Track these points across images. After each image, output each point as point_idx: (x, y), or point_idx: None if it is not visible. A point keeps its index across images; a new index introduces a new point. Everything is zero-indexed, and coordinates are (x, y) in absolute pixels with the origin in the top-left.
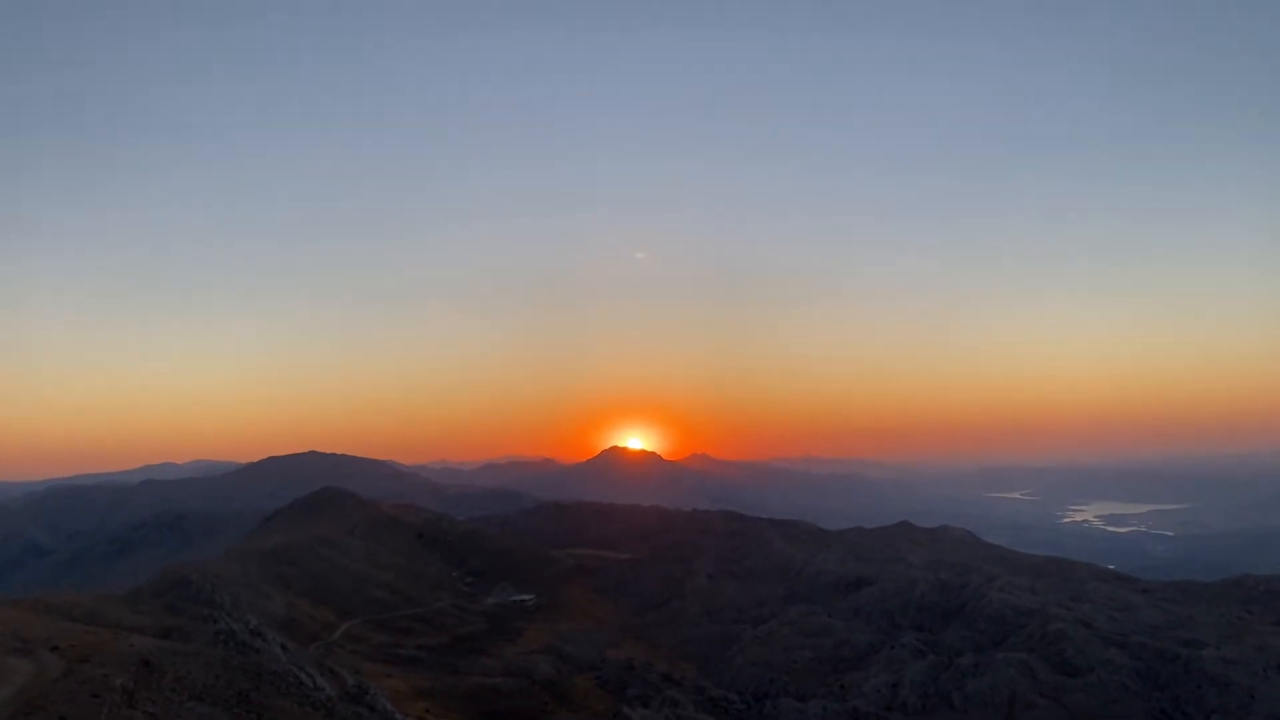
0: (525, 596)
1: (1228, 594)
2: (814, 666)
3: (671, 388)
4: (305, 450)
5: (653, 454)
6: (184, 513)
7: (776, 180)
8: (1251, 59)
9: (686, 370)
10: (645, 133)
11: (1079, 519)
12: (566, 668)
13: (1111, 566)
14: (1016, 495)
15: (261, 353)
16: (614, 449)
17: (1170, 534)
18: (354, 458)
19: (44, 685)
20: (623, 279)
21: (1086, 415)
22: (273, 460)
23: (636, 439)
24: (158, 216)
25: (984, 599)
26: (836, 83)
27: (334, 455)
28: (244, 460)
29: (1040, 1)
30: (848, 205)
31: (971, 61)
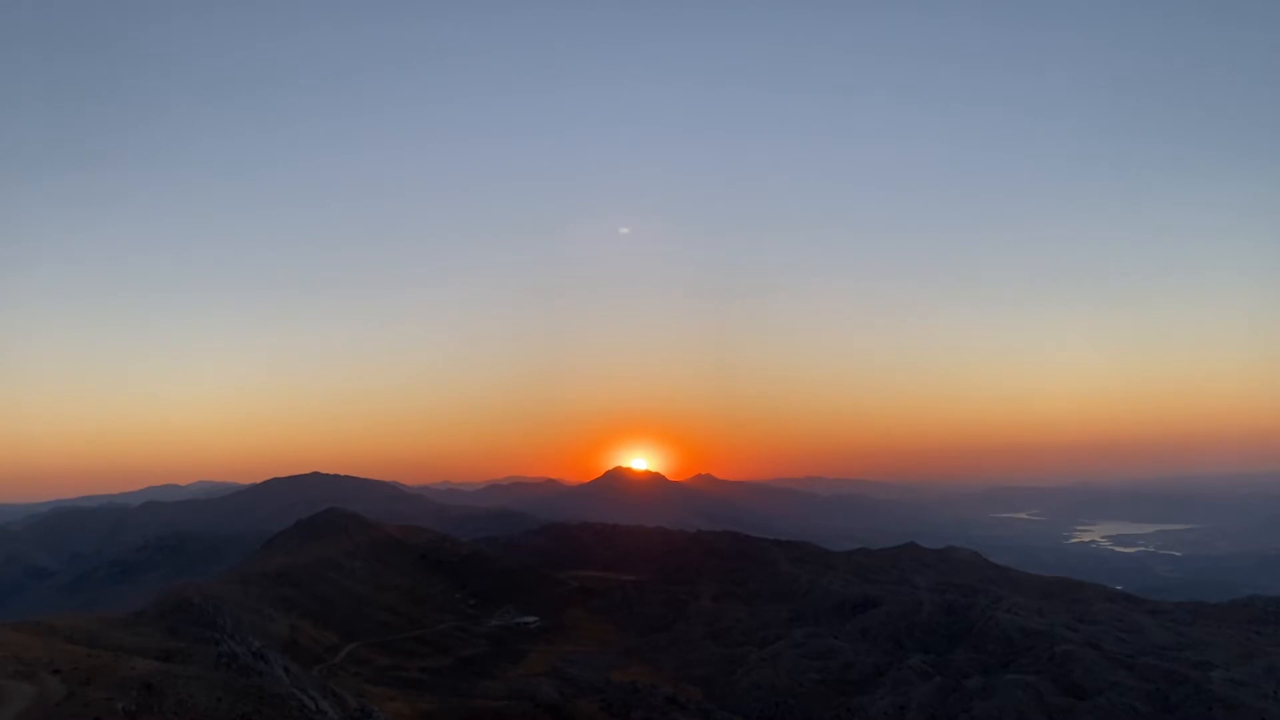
0: (528, 618)
1: (1237, 615)
2: (820, 689)
3: (675, 408)
4: (308, 471)
5: (656, 474)
6: (186, 534)
7: (782, 200)
8: (1247, 73)
9: (691, 391)
10: (646, 139)
11: (1086, 539)
12: (570, 690)
13: (1119, 587)
14: (1023, 516)
15: (264, 374)
16: (617, 469)
17: (1178, 554)
18: (357, 479)
19: (46, 709)
20: (627, 302)
21: (1093, 435)
22: (276, 481)
23: (640, 459)
24: (160, 237)
25: (991, 620)
26: (837, 91)
27: (337, 476)
28: (247, 481)
29: (1036, 11)
30: (852, 223)
31: (968, 74)
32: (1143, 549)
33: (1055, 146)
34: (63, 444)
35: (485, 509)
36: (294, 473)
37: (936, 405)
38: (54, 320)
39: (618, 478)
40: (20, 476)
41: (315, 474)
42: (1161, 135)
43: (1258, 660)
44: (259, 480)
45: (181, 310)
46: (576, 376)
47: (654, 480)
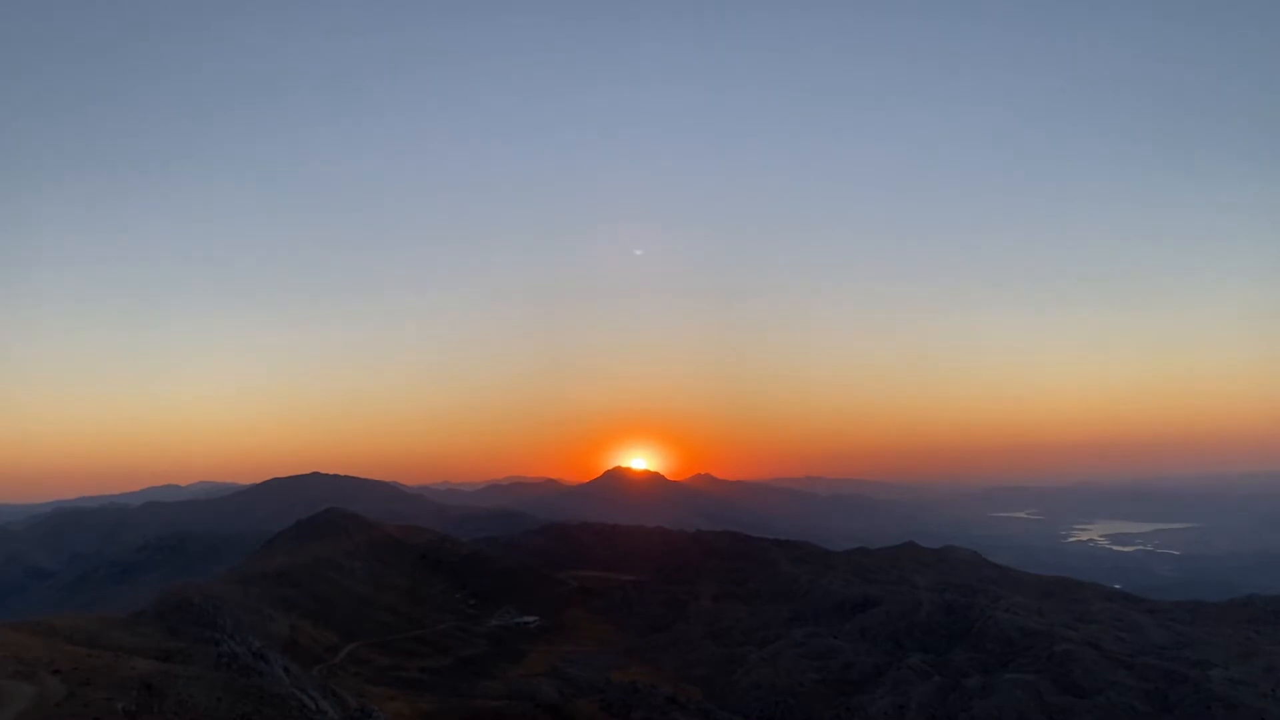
0: (528, 618)
1: (1235, 614)
2: (820, 689)
3: (675, 408)
4: (308, 472)
5: (656, 474)
6: (187, 535)
7: (782, 201)
8: (1249, 73)
9: (690, 391)
10: (648, 143)
11: (1084, 539)
12: (570, 690)
13: (1117, 586)
14: (1022, 515)
15: (264, 374)
16: (617, 469)
17: (1176, 553)
18: (357, 479)
19: (46, 709)
20: (626, 301)
21: (1091, 435)
22: (276, 482)
23: (639, 459)
24: (161, 239)
25: (990, 620)
26: (838, 94)
27: (337, 476)
28: (247, 482)
29: (1037, 13)
30: (852, 225)
31: (971, 76)
32: (1141, 548)
33: (1054, 147)
34: (63, 445)
35: (485, 509)
36: (294, 473)
37: (935, 405)
38: (55, 321)
39: (617, 478)
40: (21, 477)
41: (315, 474)
42: (1160, 136)
43: (1256, 659)
44: (259, 480)
45: (182, 311)
46: (576, 376)
47: (653, 480)
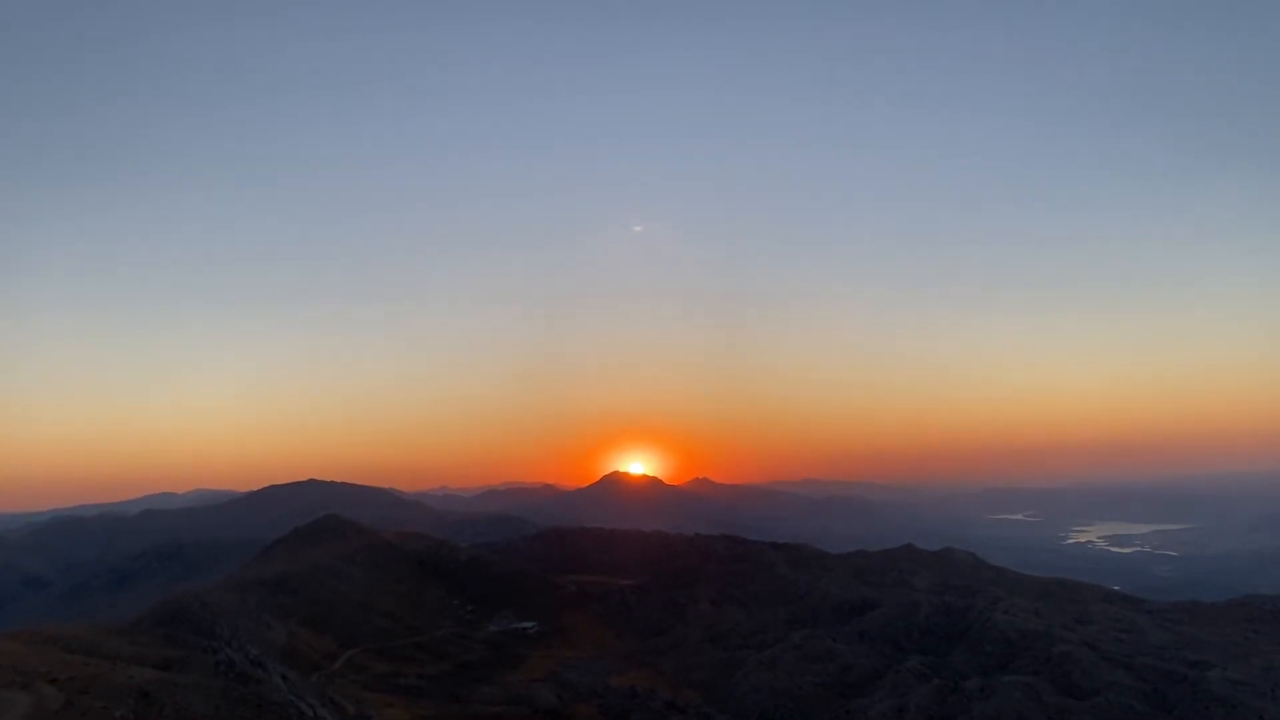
0: (527, 624)
1: (1233, 614)
2: (819, 692)
3: (672, 412)
4: (305, 478)
5: (654, 479)
6: (184, 542)
7: (780, 202)
8: (1250, 72)
9: (687, 395)
10: (647, 141)
11: (1082, 540)
12: (569, 695)
13: (1116, 587)
14: (1020, 517)
15: (261, 381)
16: (615, 474)
17: (1174, 554)
18: (354, 485)
19: (43, 718)
20: (624, 305)
21: (1089, 436)
22: (273, 489)
23: (637, 464)
24: (158, 245)
25: (989, 622)
26: (836, 95)
27: (334, 483)
28: (244, 489)
29: (1034, 15)
30: (850, 227)
31: (972, 76)
32: (1139, 549)
33: (1049, 147)
34: (60, 453)
35: (483, 514)
36: (291, 480)
37: (933, 407)
38: (52, 329)
39: (615, 482)
40: (18, 486)
41: (312, 481)
42: (1159, 136)
43: (1254, 659)
44: (256, 488)
45: (179, 318)
46: (573, 381)
47: (651, 484)
